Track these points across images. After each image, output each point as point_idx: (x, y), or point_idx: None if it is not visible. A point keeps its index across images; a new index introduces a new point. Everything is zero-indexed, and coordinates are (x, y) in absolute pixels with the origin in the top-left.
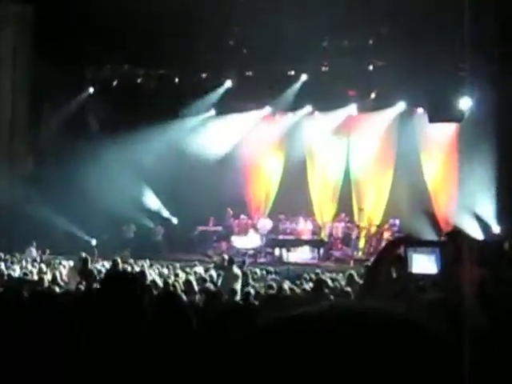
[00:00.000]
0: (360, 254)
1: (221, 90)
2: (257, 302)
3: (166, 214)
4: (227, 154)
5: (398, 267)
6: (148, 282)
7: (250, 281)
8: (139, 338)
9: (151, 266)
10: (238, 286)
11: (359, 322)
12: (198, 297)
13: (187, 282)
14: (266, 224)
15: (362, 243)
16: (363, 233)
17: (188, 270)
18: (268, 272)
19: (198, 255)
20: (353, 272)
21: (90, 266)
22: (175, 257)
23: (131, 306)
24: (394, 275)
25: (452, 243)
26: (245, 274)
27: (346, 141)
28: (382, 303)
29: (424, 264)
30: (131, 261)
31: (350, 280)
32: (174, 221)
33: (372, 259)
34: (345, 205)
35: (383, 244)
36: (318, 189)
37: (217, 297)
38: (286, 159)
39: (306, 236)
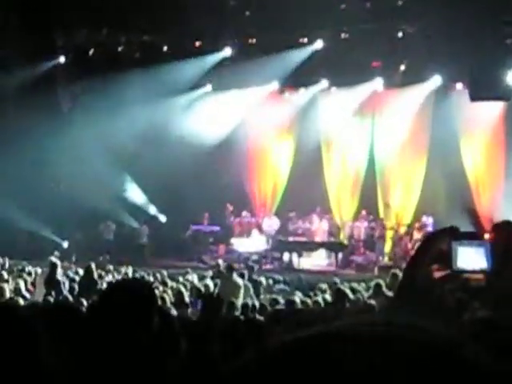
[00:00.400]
0: (386, 259)
1: (218, 61)
2: (262, 318)
3: (152, 210)
4: (226, 138)
5: (440, 267)
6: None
7: (252, 292)
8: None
9: (134, 273)
10: (240, 298)
11: (386, 349)
12: (190, 311)
13: (178, 294)
14: (272, 223)
15: (388, 246)
16: (390, 234)
17: (179, 278)
18: (275, 281)
19: (190, 260)
20: (380, 281)
21: (59, 273)
22: (163, 262)
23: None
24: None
25: (502, 236)
26: (255, 283)
27: (370, 123)
28: (418, 321)
29: (472, 259)
30: (110, 267)
31: (377, 291)
32: (162, 219)
33: (403, 264)
34: (368, 200)
35: (415, 245)
36: (336, 181)
37: (214, 310)
38: (298, 145)
39: (322, 238)
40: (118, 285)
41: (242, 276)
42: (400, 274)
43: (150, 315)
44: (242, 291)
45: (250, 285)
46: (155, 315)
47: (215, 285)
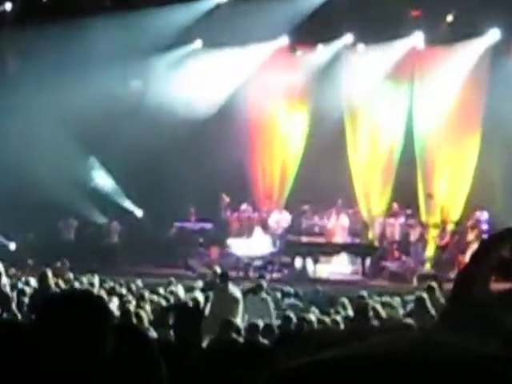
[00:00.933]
0: (428, 266)
1: (210, 9)
2: (266, 342)
3: (125, 202)
4: (221, 109)
5: (501, 279)
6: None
7: (272, 308)
8: None
9: (102, 284)
10: (238, 315)
11: (431, 377)
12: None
13: (158, 310)
14: (281, 219)
15: (430, 250)
16: (433, 233)
17: (159, 290)
18: (284, 294)
19: (174, 267)
20: (422, 295)
21: (3, 284)
22: (139, 269)
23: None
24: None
25: None
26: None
27: (408, 89)
28: (469, 342)
29: None
30: (70, 276)
31: (418, 308)
32: (138, 213)
33: (449, 273)
34: (404, 190)
35: (467, 249)
36: (364, 164)
37: (190, 326)
38: (314, 119)
39: (344, 238)
40: (57, 297)
41: (254, 292)
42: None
43: (99, 335)
44: (240, 306)
45: (269, 298)
46: (109, 335)
47: (206, 298)
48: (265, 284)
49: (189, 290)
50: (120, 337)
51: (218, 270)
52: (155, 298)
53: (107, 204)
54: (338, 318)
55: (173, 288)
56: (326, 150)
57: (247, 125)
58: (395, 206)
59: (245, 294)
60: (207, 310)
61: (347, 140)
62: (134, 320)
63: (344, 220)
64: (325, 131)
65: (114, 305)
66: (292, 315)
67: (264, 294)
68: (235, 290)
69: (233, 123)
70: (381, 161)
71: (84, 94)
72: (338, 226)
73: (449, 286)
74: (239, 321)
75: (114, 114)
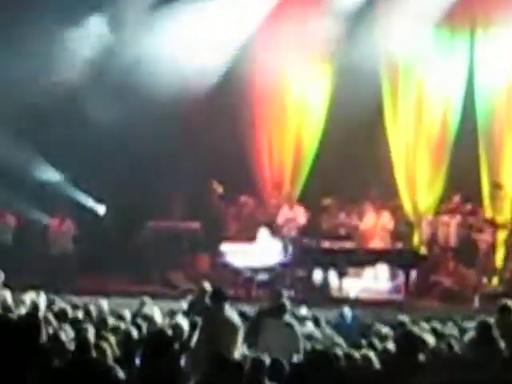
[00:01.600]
0: (495, 281)
1: None
2: None
3: (80, 196)
4: (215, 74)
5: None
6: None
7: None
8: None
9: (50, 306)
10: (236, 345)
11: None
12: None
13: (126, 341)
14: (294, 217)
15: (499, 259)
16: (503, 236)
17: (128, 314)
18: (299, 320)
19: (148, 282)
20: (487, 321)
21: None
22: (100, 285)
23: None
24: None
25: None
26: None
27: (468, 41)
28: None
29: None
30: (6, 293)
31: (481, 337)
32: (99, 210)
33: None
34: (462, 177)
35: None
36: (406, 144)
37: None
38: (339, 84)
39: (381, 243)
40: None
41: (274, 314)
42: None
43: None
44: (240, 334)
45: (294, 323)
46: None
47: (193, 325)
48: (288, 304)
49: (169, 314)
50: (76, 377)
51: (208, 286)
52: (122, 324)
53: (56, 198)
54: (372, 353)
55: (146, 310)
56: (356, 125)
57: (251, 93)
58: (455, 199)
59: (260, 316)
60: (194, 342)
61: (385, 111)
62: (94, 355)
63: (386, 219)
64: (354, 100)
65: (65, 334)
66: (309, 348)
67: (288, 318)
68: (232, 314)
69: (232, 92)
70: (430, 139)
71: (25, 63)
72: (373, 226)
73: None
74: (237, 355)
75: (63, 77)
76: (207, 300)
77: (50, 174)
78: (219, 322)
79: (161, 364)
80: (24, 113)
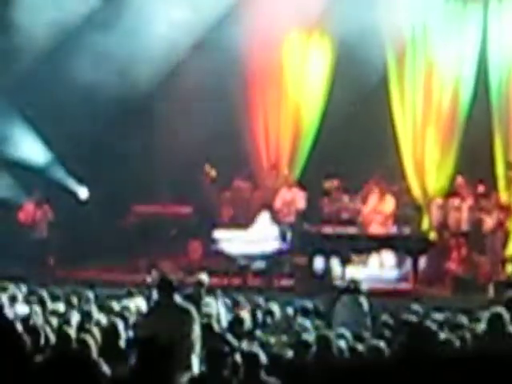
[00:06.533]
0: (510, 268)
1: None
2: (273, 381)
3: (62, 177)
4: (205, 46)
5: None
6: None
7: (259, 332)
8: None
9: (29, 295)
10: (196, 337)
11: None
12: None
13: (111, 335)
14: (293, 200)
15: None
16: None
17: (114, 306)
18: (299, 310)
19: (135, 271)
20: (500, 310)
21: None
22: (83, 275)
23: None
24: None
25: None
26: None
27: (481, 10)
28: None
29: None
30: None
31: (494, 327)
32: (82, 193)
33: None
34: (475, 158)
35: None
36: (414, 122)
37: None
38: (340, 57)
39: (386, 228)
40: None
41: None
42: None
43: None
44: (196, 323)
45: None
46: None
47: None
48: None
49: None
50: (58, 371)
51: (205, 276)
52: (105, 318)
53: (35, 179)
54: (381, 343)
55: (131, 303)
56: (359, 102)
57: (244, 68)
58: (461, 181)
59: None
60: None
61: (391, 88)
62: (76, 346)
63: (389, 202)
64: (357, 75)
65: (37, 315)
66: (310, 340)
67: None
68: (182, 303)
69: (223, 66)
70: (440, 116)
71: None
72: (378, 210)
73: None
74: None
75: (45, 47)
76: (202, 290)
77: (33, 153)
78: (171, 315)
79: (154, 368)
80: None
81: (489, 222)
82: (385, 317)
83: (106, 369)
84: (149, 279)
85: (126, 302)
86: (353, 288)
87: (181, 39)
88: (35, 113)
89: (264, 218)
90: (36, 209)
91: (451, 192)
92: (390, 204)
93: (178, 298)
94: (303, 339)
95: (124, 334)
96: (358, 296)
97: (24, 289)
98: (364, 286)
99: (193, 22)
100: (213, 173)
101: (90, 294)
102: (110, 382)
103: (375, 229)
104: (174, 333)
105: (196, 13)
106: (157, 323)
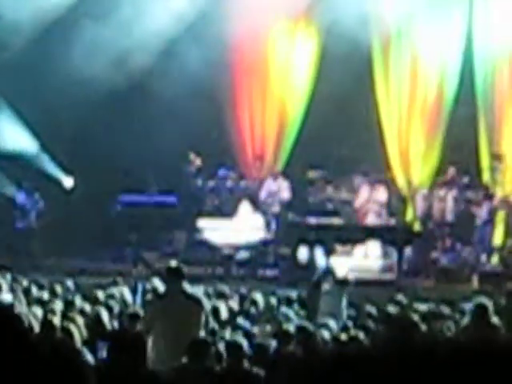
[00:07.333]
0: (495, 260)
1: None
2: (257, 371)
3: (47, 165)
4: (190, 34)
5: None
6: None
7: (247, 324)
8: None
9: (14, 282)
10: (199, 328)
11: None
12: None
13: (96, 323)
14: (277, 190)
15: (499, 235)
16: (503, 212)
17: (98, 295)
18: (282, 300)
19: (120, 260)
20: (484, 301)
21: None
22: (68, 264)
23: None
24: None
25: None
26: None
27: (466, 4)
28: None
29: None
30: None
31: (477, 318)
32: (67, 183)
33: None
34: (460, 148)
35: None
36: (399, 112)
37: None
38: (326, 47)
39: (372, 219)
40: None
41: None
42: None
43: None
44: (203, 312)
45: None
46: None
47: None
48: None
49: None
50: (41, 359)
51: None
52: (90, 307)
53: (19, 168)
54: (363, 334)
55: (115, 290)
56: (344, 91)
57: (228, 57)
58: (451, 170)
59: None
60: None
61: (376, 77)
62: (60, 334)
63: (382, 191)
64: (342, 65)
65: (21, 303)
66: (293, 330)
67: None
68: (192, 292)
69: (208, 54)
70: (425, 106)
71: None
72: (369, 201)
73: None
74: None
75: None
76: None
77: (18, 137)
78: (181, 304)
79: (126, 361)
80: None
81: (475, 213)
82: (369, 308)
83: (89, 358)
84: (134, 272)
85: (111, 291)
86: (334, 278)
87: (169, 30)
88: (21, 102)
89: (245, 207)
90: (27, 198)
91: (437, 183)
92: (383, 193)
93: (187, 287)
94: (284, 329)
95: (109, 324)
96: (340, 287)
97: (9, 277)
98: (348, 276)
99: (179, 13)
100: (198, 162)
101: (73, 283)
102: (93, 371)
103: (372, 219)
104: (184, 321)
105: (183, 4)
106: (165, 311)
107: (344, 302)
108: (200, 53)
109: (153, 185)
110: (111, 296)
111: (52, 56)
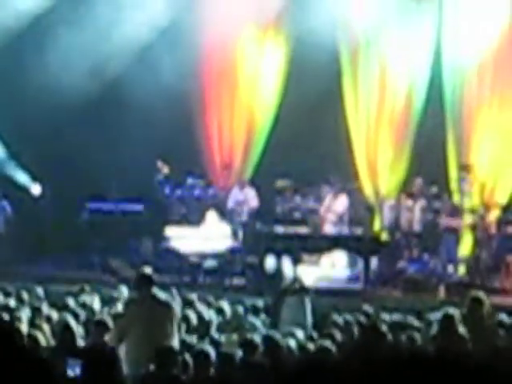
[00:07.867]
0: (461, 270)
1: None
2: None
3: (14, 172)
4: (161, 40)
5: None
6: None
7: (213, 332)
8: None
9: None
10: (174, 338)
11: None
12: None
13: (64, 331)
14: (245, 199)
15: (466, 246)
16: (470, 222)
17: (68, 302)
18: (249, 309)
19: (87, 268)
20: (451, 311)
21: None
22: (35, 271)
23: None
24: None
25: None
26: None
27: (436, 10)
28: None
29: None
30: None
31: (444, 329)
32: (34, 190)
33: (494, 280)
34: (427, 159)
35: None
36: (367, 123)
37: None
38: (294, 55)
39: (339, 228)
40: None
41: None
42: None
43: None
44: (176, 318)
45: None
46: None
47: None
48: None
49: (108, 301)
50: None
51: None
52: (57, 314)
53: None
54: (329, 343)
55: (85, 299)
56: (313, 100)
57: (198, 65)
58: (419, 181)
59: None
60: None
61: (344, 86)
62: (27, 341)
63: (341, 201)
64: (311, 73)
65: None
66: (259, 339)
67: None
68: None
69: (179, 62)
70: (393, 117)
71: None
72: (335, 210)
73: (493, 299)
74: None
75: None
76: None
77: None
78: (155, 310)
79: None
80: None
81: (442, 223)
82: (335, 316)
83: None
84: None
85: (79, 299)
86: (298, 287)
87: (143, 38)
88: None
89: (212, 216)
90: None
91: (404, 193)
92: (342, 203)
93: (159, 293)
94: (249, 338)
95: (76, 331)
96: (303, 295)
97: None
98: (315, 285)
99: (154, 20)
100: (165, 170)
101: (40, 290)
102: (61, 379)
103: (328, 228)
104: (158, 326)
105: (158, 12)
106: (140, 317)
107: (308, 311)
108: (171, 61)
109: (114, 191)
110: (83, 304)
111: (22, 62)
